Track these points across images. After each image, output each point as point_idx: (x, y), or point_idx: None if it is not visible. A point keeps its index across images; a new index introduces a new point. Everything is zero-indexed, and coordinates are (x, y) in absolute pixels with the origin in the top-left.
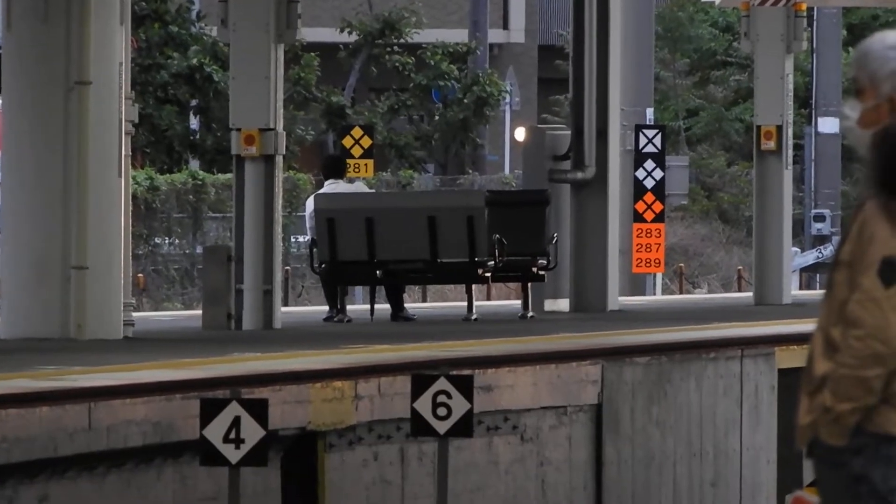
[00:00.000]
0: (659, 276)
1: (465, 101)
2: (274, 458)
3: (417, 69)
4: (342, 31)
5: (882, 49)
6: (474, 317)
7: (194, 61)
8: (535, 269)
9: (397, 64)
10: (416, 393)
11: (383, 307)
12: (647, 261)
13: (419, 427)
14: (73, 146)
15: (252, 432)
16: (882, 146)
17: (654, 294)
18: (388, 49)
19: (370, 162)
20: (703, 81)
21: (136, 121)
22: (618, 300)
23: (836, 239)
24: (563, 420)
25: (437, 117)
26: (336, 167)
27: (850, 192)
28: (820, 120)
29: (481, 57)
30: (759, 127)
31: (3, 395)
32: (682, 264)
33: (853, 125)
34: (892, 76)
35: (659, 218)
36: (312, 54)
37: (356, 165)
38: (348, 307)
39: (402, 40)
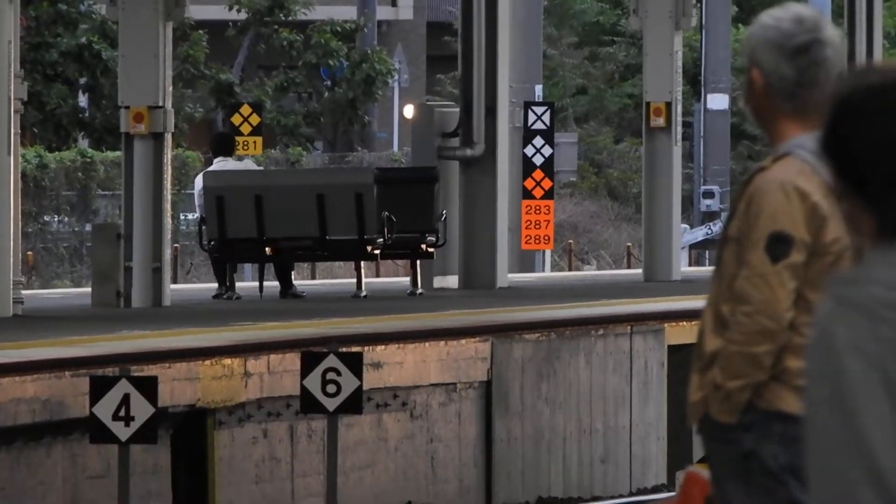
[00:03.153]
0: (548, 252)
1: (354, 78)
2: (164, 436)
3: (306, 47)
4: (231, 8)
5: (756, 26)
6: (363, 294)
7: (83, 39)
8: (423, 247)
9: (286, 42)
10: (306, 370)
11: (272, 284)
12: (537, 238)
13: (308, 404)
14: None
15: (141, 410)
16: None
17: (544, 271)
18: (277, 27)
19: (259, 139)
20: (592, 57)
21: (25, 99)
22: (507, 277)
23: (724, 215)
24: (452, 397)
25: (325, 95)
26: (225, 145)
27: (739, 169)
28: (709, 96)
29: (369, 34)
30: (648, 104)
31: None
32: (571, 241)
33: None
34: (754, 49)
35: (548, 195)
36: (201, 32)
37: (245, 143)
38: (237, 284)
39: (290, 18)
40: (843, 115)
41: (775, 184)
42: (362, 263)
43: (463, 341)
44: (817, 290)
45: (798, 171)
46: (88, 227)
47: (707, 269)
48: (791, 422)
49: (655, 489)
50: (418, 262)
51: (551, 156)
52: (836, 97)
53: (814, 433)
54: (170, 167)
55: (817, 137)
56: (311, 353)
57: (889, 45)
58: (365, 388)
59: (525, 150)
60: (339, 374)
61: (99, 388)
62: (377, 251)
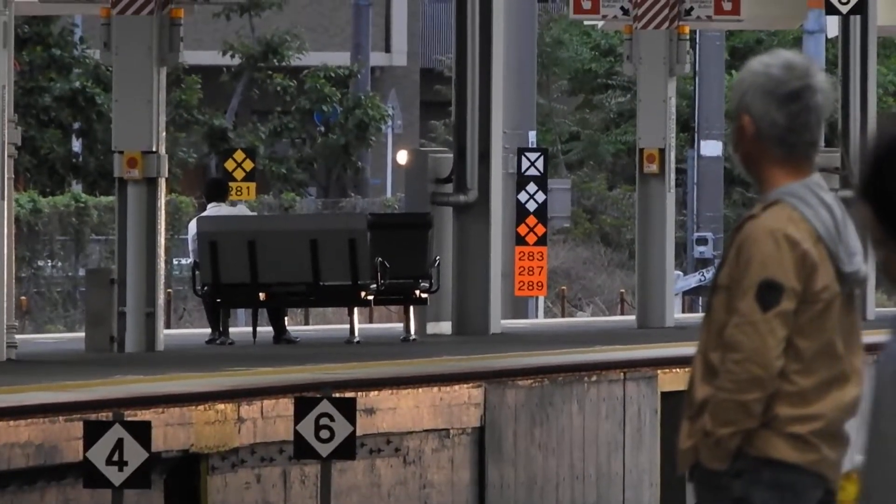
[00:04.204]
0: (541, 299)
1: (347, 124)
2: (157, 481)
3: (300, 92)
4: (224, 54)
5: (746, 72)
6: (357, 339)
7: (77, 84)
8: (417, 292)
9: (279, 87)
10: (299, 415)
11: (266, 330)
12: (530, 284)
13: (302, 449)
14: None
15: (135, 454)
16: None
17: (537, 317)
18: (270, 72)
19: (252, 185)
20: (585, 104)
21: (19, 143)
22: (500, 323)
23: (717, 262)
24: (445, 443)
25: (319, 140)
26: (218, 190)
27: (732, 216)
28: (702, 143)
29: (363, 80)
30: (641, 150)
31: None
32: (564, 287)
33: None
34: (744, 95)
35: (541, 241)
36: (195, 77)
37: (238, 188)
38: (231, 330)
39: (284, 63)
40: (885, 161)
41: (765, 232)
42: (356, 309)
43: (456, 387)
44: (807, 337)
45: (788, 218)
46: (81, 272)
47: (700, 316)
48: (781, 468)
49: None
50: (412, 307)
51: (545, 202)
52: (877, 145)
53: (884, 466)
54: (163, 212)
55: (855, 184)
56: (304, 399)
57: (883, 93)
58: (358, 433)
59: (518, 196)
60: (332, 419)
61: (93, 433)
62: (370, 297)
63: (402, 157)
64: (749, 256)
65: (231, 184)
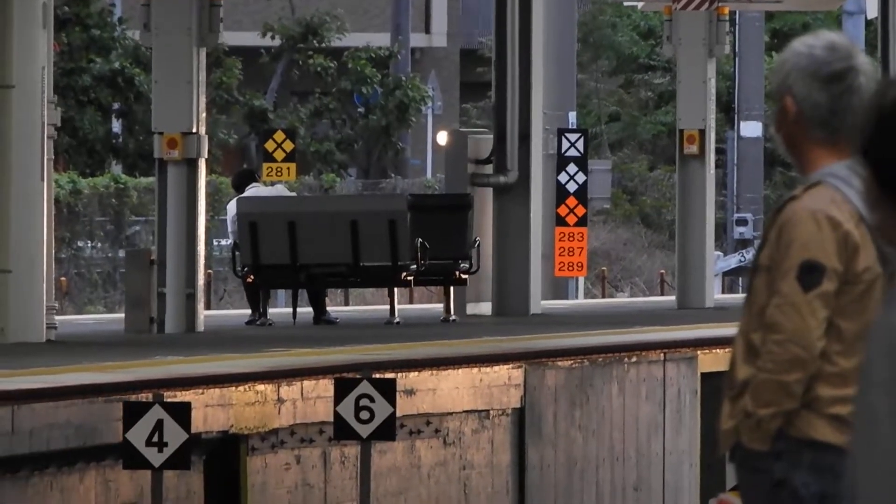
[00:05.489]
0: (581, 279)
1: (388, 105)
2: (197, 462)
3: (340, 73)
4: (264, 35)
5: (788, 53)
6: (397, 320)
7: (116, 65)
8: (457, 273)
9: (319, 68)
10: (339, 396)
11: (306, 311)
12: (570, 265)
13: (342, 430)
14: None
15: (175, 435)
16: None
17: (577, 298)
18: (311, 53)
19: (292, 166)
20: (627, 84)
21: (59, 124)
22: (540, 304)
23: (758, 243)
24: (485, 424)
25: (359, 121)
26: (247, 178)
27: (772, 197)
28: (742, 124)
29: (403, 61)
30: (681, 131)
31: None
32: (604, 268)
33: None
34: (787, 76)
35: (581, 222)
36: (234, 58)
37: (279, 169)
38: (270, 311)
39: (324, 44)
40: (883, 122)
41: (807, 213)
42: (396, 290)
43: (496, 368)
44: (848, 318)
45: (830, 199)
46: (122, 253)
47: (740, 297)
48: (822, 450)
49: None
50: (451, 288)
51: (585, 183)
52: (875, 105)
53: (871, 439)
54: (203, 193)
55: (855, 143)
56: (344, 380)
57: None
58: (398, 414)
59: (558, 177)
60: (372, 400)
61: (132, 414)
62: (410, 278)
63: (443, 138)
64: (790, 238)
65: (271, 164)
